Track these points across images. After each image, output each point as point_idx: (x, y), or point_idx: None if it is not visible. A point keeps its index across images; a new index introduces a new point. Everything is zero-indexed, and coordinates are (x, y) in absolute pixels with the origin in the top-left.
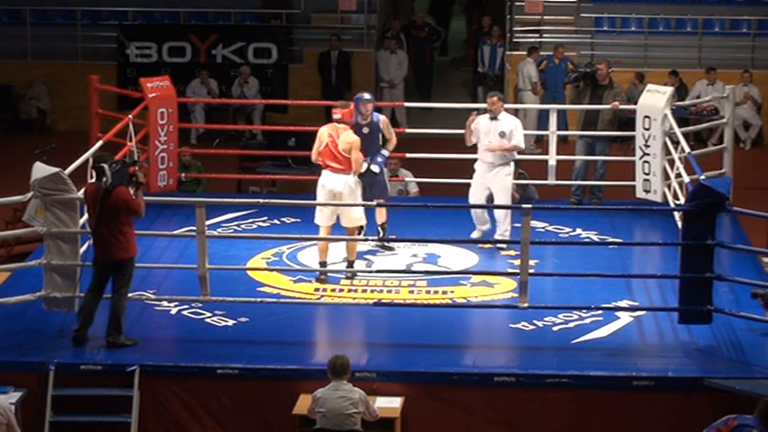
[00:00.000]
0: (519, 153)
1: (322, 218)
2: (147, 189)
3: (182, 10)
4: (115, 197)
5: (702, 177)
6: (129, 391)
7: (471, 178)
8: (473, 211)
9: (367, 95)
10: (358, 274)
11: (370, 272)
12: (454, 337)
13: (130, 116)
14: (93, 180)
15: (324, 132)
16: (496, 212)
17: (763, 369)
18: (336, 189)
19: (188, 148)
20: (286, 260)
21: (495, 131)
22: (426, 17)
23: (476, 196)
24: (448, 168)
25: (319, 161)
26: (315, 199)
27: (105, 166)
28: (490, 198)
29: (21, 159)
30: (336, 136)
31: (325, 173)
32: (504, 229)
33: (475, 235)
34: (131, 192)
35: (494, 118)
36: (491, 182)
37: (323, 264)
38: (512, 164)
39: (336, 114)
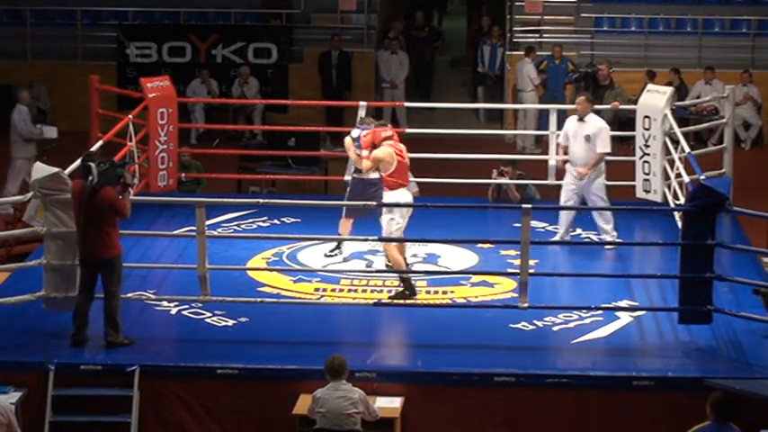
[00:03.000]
0: (522, 153)
1: (402, 231)
2: (148, 189)
3: (182, 10)
4: (101, 197)
5: (702, 177)
6: (129, 391)
7: (483, 178)
8: (561, 213)
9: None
10: (359, 274)
11: (370, 272)
12: (454, 337)
13: (130, 116)
14: (80, 178)
15: (389, 153)
16: (597, 220)
17: (763, 369)
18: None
19: (188, 148)
20: (286, 260)
21: (582, 134)
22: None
23: (564, 200)
24: (448, 168)
25: (389, 183)
26: (316, 200)
27: (92, 165)
28: (582, 202)
29: None
30: (400, 150)
31: (402, 191)
32: (609, 234)
33: (556, 238)
34: (119, 193)
35: (581, 119)
36: (583, 188)
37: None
38: (601, 165)
39: (387, 132)
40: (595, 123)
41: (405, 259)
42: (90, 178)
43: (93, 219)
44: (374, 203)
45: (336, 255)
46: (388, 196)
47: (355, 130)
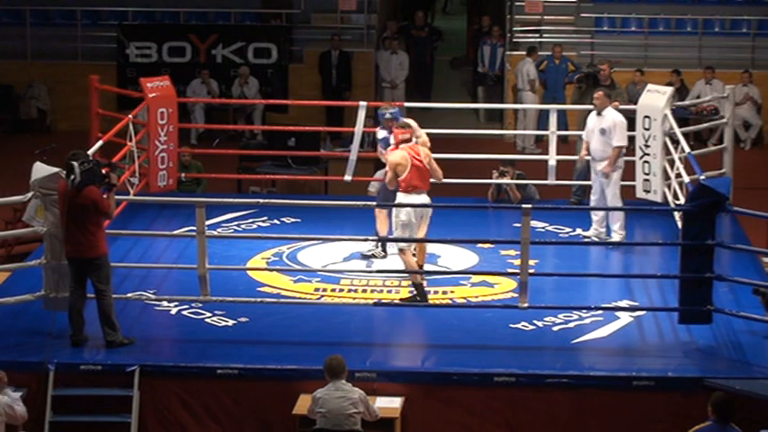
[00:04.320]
0: (522, 153)
1: (414, 235)
2: (148, 189)
3: (182, 10)
4: (84, 196)
5: (702, 177)
6: (129, 391)
7: (483, 178)
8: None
9: (389, 114)
10: (359, 274)
11: (370, 272)
12: (454, 337)
13: (130, 116)
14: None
15: (403, 156)
16: (593, 214)
17: (763, 369)
18: (426, 208)
19: (188, 148)
20: (286, 260)
21: (598, 128)
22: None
23: (593, 193)
24: (448, 168)
25: (403, 186)
26: (316, 200)
27: (75, 164)
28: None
29: (21, 159)
30: (416, 154)
31: (411, 196)
32: (616, 233)
33: (589, 233)
34: (104, 192)
35: (599, 114)
36: (601, 182)
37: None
38: (619, 161)
39: (405, 135)
40: (611, 117)
41: (417, 263)
42: (72, 177)
43: (76, 218)
44: (373, 204)
45: (378, 255)
46: (399, 197)
47: (381, 132)
